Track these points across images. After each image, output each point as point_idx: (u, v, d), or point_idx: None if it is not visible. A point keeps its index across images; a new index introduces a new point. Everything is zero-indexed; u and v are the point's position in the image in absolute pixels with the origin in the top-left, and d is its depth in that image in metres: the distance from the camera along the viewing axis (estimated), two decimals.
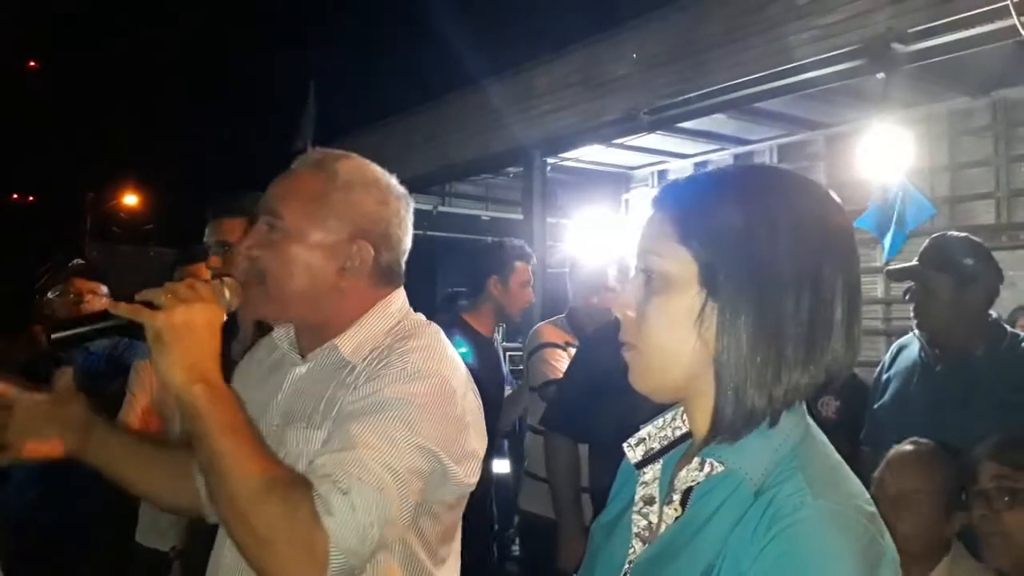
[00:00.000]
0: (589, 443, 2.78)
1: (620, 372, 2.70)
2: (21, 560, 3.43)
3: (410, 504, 1.22)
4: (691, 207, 0.93)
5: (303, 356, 1.44)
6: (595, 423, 2.63)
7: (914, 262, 2.62)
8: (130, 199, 22.83)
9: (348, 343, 1.37)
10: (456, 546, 1.45)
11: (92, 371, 3.22)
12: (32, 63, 24.87)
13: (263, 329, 1.57)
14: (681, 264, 0.91)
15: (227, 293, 1.29)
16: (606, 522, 1.07)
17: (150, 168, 22.81)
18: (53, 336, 1.25)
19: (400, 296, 1.46)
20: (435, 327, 1.44)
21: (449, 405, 1.30)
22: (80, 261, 3.64)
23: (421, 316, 1.47)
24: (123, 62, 24.58)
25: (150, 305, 1.18)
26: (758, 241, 0.87)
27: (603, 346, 2.77)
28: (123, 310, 1.19)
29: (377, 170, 1.45)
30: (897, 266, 2.73)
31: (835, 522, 0.81)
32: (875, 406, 2.68)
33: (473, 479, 1.35)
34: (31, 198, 23.80)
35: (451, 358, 1.37)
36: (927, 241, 2.65)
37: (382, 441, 1.19)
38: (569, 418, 2.78)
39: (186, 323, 1.16)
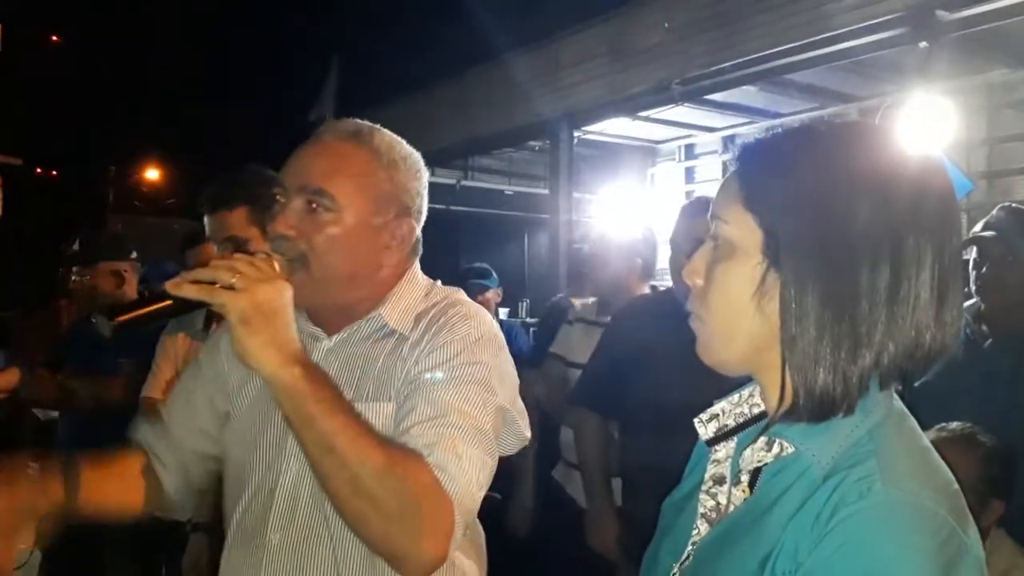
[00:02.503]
0: (618, 420, 2.72)
1: (648, 348, 2.62)
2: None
3: (495, 462, 1.26)
4: (760, 168, 0.86)
5: (327, 329, 1.38)
6: (622, 399, 2.57)
7: (987, 232, 2.49)
8: (152, 173, 22.96)
9: (391, 313, 1.36)
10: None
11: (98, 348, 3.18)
12: (54, 38, 24.96)
13: None
14: (745, 230, 0.84)
15: (277, 268, 1.21)
16: (677, 499, 1.01)
17: (171, 142, 22.90)
18: (115, 321, 1.15)
19: (418, 267, 1.47)
20: (462, 292, 1.45)
21: (509, 363, 1.35)
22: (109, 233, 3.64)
23: (439, 282, 1.48)
24: (143, 35, 24.64)
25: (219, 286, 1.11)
26: (831, 207, 0.79)
27: (632, 322, 2.73)
28: (192, 292, 1.10)
29: (406, 144, 1.42)
30: (974, 235, 2.56)
31: (905, 512, 0.74)
32: (916, 384, 2.58)
33: (528, 432, 1.38)
34: (53, 172, 23.98)
35: (493, 320, 1.39)
36: (999, 211, 2.53)
37: (469, 405, 1.22)
38: (596, 394, 2.72)
39: (270, 301, 1.10)
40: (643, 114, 6.51)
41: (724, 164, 7.28)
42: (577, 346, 3.24)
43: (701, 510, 0.94)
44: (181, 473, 1.45)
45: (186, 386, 1.51)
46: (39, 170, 22.15)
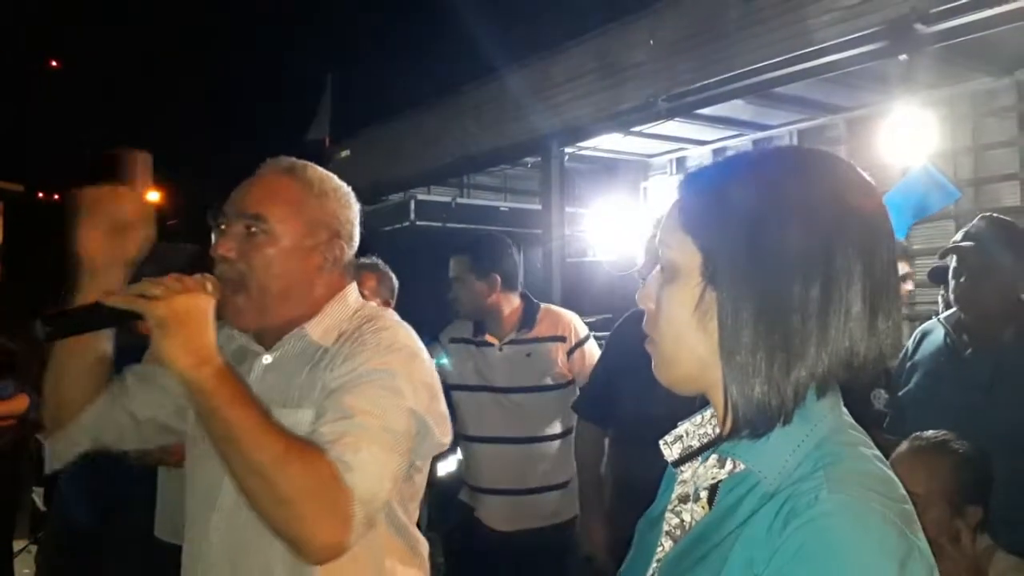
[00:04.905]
0: (611, 430, 2.78)
1: (638, 360, 2.73)
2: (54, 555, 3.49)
3: (406, 462, 1.35)
4: (697, 195, 0.92)
5: (266, 346, 1.51)
6: (614, 410, 2.63)
7: (966, 242, 2.51)
8: (152, 195, 23.02)
9: (316, 329, 1.47)
10: (418, 504, 1.57)
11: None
12: (54, 62, 25.07)
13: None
14: (686, 254, 0.89)
15: (209, 287, 1.34)
16: (649, 519, 1.05)
17: (172, 164, 22.96)
18: (45, 330, 1.27)
19: (355, 288, 1.58)
20: (392, 311, 1.58)
21: (422, 372, 1.43)
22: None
23: (375, 304, 1.61)
24: (143, 57, 24.75)
25: (142, 297, 1.24)
26: (761, 228, 0.84)
27: (625, 334, 2.78)
28: (120, 301, 1.25)
29: (336, 179, 1.56)
30: (954, 244, 2.59)
31: (855, 514, 0.77)
32: (899, 394, 2.64)
33: (448, 439, 1.48)
34: (56, 196, 24.04)
35: (413, 334, 1.51)
36: (979, 221, 2.55)
37: (375, 407, 1.31)
38: (593, 404, 2.79)
39: (187, 310, 1.23)
40: (634, 129, 6.57)
41: None
42: (453, 367, 3.18)
43: (666, 528, 0.97)
44: (136, 419, 1.55)
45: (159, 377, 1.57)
46: (41, 194, 22.21)
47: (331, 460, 1.22)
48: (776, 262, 0.83)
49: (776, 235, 0.83)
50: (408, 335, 1.47)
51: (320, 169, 1.54)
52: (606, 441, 2.88)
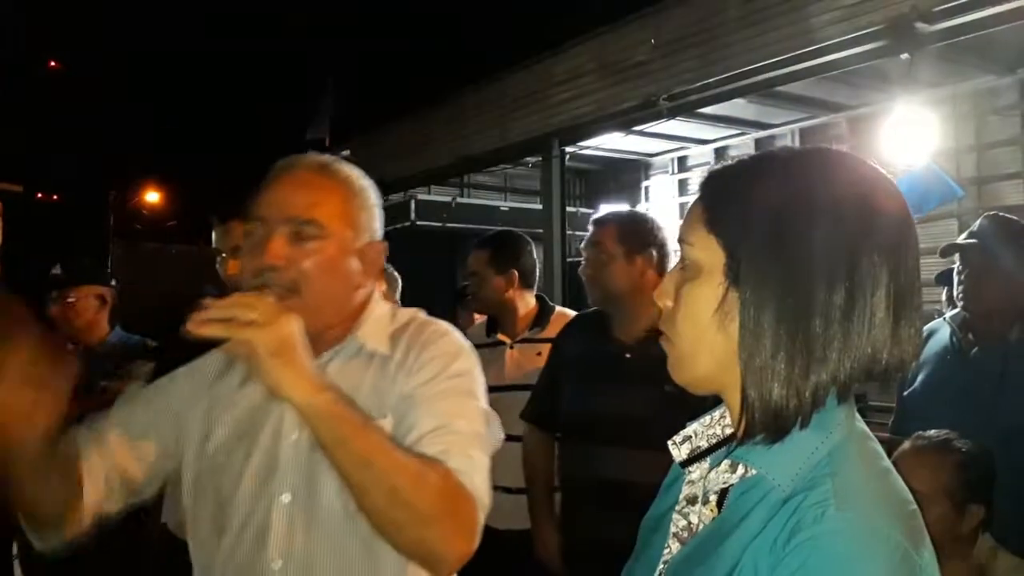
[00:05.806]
0: (553, 430, 2.75)
1: (575, 362, 2.73)
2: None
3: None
4: (721, 193, 0.90)
5: None
6: (560, 412, 2.63)
7: (970, 240, 2.50)
8: (151, 195, 23.02)
9: (368, 336, 1.41)
10: None
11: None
12: (53, 63, 25.07)
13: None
14: (709, 253, 0.87)
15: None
16: (653, 517, 1.03)
17: (171, 165, 23.00)
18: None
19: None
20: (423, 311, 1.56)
21: (480, 372, 1.44)
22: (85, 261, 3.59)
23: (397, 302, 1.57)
24: (142, 58, 24.79)
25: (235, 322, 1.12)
26: (787, 229, 0.82)
27: (570, 335, 2.77)
28: (219, 330, 1.11)
29: (360, 172, 1.49)
30: (955, 242, 2.59)
31: (858, 536, 0.75)
32: (904, 394, 2.63)
33: (502, 433, 1.46)
34: (55, 197, 24.04)
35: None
36: (982, 219, 2.54)
37: (464, 412, 1.33)
38: (539, 408, 2.78)
39: (293, 333, 1.13)
40: (635, 128, 6.57)
41: None
42: None
43: (673, 529, 0.95)
44: (104, 492, 1.36)
45: (143, 408, 1.46)
46: (40, 195, 22.18)
47: (452, 472, 1.20)
48: (801, 265, 0.82)
49: (802, 237, 0.82)
50: (463, 337, 1.47)
51: (348, 165, 1.46)
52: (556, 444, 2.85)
